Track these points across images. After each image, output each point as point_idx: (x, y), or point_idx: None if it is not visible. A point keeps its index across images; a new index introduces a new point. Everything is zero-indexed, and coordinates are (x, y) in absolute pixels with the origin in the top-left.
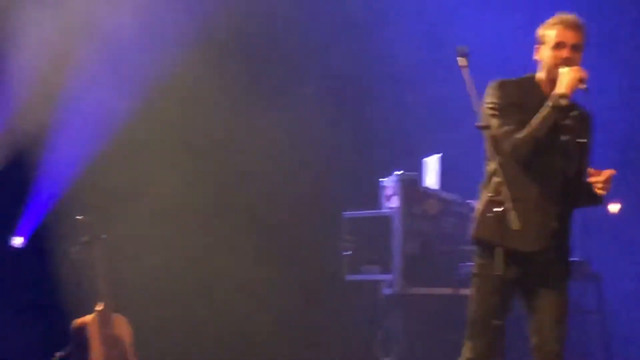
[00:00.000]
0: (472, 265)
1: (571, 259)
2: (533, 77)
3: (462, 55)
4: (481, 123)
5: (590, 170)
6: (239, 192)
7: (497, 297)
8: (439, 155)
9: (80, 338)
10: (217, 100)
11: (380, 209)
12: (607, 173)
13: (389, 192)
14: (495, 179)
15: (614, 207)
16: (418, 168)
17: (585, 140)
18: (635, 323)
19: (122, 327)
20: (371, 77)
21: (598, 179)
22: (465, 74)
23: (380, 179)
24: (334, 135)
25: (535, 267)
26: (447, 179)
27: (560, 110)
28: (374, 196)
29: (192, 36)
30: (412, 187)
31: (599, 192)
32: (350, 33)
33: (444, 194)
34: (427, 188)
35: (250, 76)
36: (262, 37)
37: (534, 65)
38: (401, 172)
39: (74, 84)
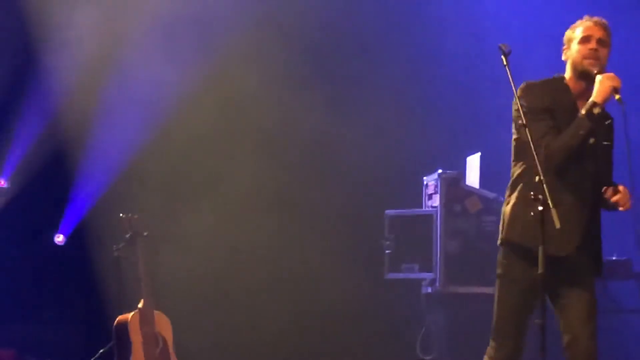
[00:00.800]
0: (497, 266)
1: (603, 258)
2: (562, 78)
3: (505, 54)
4: (525, 121)
5: (608, 190)
6: (284, 191)
7: (522, 297)
8: (479, 153)
9: (122, 335)
10: (267, 94)
11: (422, 207)
12: (622, 190)
13: (430, 190)
14: (529, 180)
15: None
16: (461, 166)
17: (609, 143)
18: None
19: (163, 324)
20: (414, 77)
21: (617, 198)
22: (508, 71)
23: (424, 177)
24: (379, 134)
25: (563, 268)
26: (489, 177)
27: (594, 119)
28: (417, 194)
29: (255, 22)
30: (453, 185)
31: (622, 209)
32: (393, 34)
33: (485, 193)
34: (468, 186)
35: (307, 69)
36: (311, 27)
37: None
38: (442, 170)
39: (116, 81)
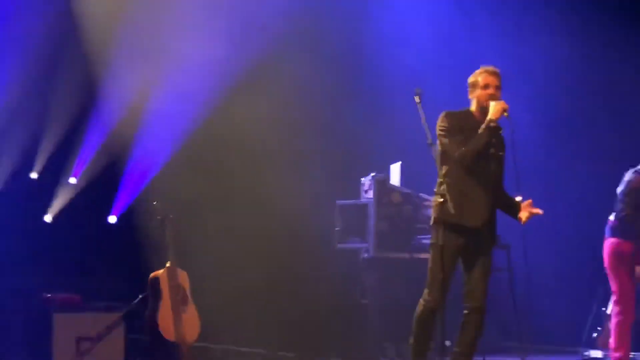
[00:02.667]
0: (429, 238)
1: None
2: (469, 110)
3: (417, 95)
4: (430, 141)
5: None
6: (255, 189)
7: (446, 259)
8: (400, 162)
9: (155, 286)
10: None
11: (360, 198)
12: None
13: (366, 187)
14: (446, 180)
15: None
16: (387, 170)
17: (502, 153)
18: (534, 279)
19: (183, 278)
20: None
21: (535, 211)
22: (420, 109)
23: (361, 178)
24: (329, 142)
25: (474, 238)
26: (408, 178)
27: (492, 130)
28: (356, 189)
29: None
30: (382, 184)
31: (522, 221)
32: (339, 52)
33: (404, 189)
34: (392, 185)
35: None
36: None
37: None
38: (374, 174)
39: (167, 80)
